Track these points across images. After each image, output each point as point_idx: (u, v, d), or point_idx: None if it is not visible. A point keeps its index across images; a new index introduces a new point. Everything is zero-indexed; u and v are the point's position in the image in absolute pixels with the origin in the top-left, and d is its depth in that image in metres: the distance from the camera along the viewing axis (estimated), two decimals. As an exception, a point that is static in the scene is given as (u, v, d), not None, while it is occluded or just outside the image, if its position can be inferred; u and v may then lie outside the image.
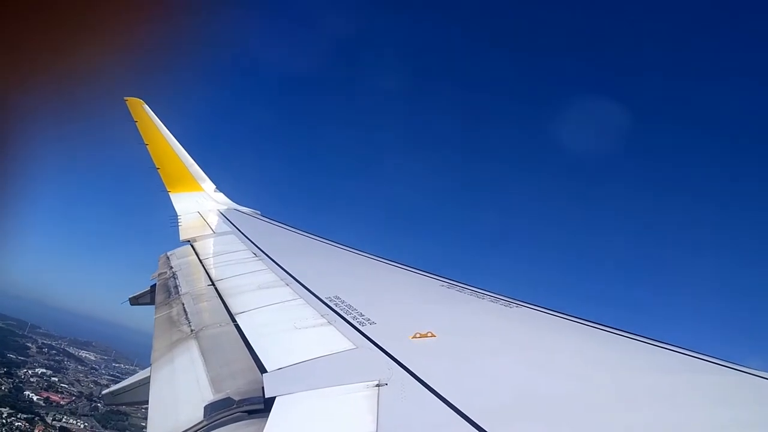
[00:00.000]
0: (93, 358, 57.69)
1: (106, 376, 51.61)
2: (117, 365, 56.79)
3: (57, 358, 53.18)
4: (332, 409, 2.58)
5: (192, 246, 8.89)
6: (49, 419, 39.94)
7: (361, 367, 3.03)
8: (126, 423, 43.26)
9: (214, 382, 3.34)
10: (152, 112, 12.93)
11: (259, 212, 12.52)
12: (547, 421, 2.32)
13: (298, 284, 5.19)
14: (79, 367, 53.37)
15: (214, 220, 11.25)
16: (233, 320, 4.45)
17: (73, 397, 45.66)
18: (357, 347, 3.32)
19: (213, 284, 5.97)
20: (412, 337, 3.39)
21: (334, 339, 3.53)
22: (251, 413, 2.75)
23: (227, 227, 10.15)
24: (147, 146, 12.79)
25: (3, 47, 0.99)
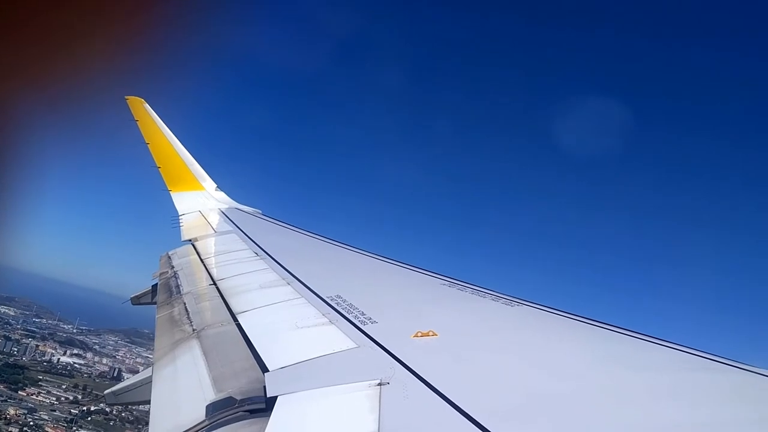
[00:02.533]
0: (12, 313, 56.41)
1: (20, 331, 51.06)
2: (38, 320, 55.76)
3: (-33, 314, 52.35)
4: (334, 409, 2.58)
5: (193, 245, 8.90)
6: None
7: (363, 366, 3.03)
8: (21, 377, 42.78)
9: (216, 382, 3.34)
10: (153, 111, 12.93)
11: (260, 211, 12.52)
12: (550, 420, 2.31)
13: (299, 283, 5.19)
14: (-10, 323, 52.69)
15: (215, 219, 11.25)
16: (235, 319, 4.45)
17: (-35, 353, 44.73)
18: (358, 346, 3.32)
19: (214, 283, 5.98)
20: (414, 336, 3.38)
21: (335, 338, 3.53)
22: (253, 413, 2.75)
23: (228, 226, 10.15)
24: (148, 145, 12.80)
25: (5, 49, 0.99)
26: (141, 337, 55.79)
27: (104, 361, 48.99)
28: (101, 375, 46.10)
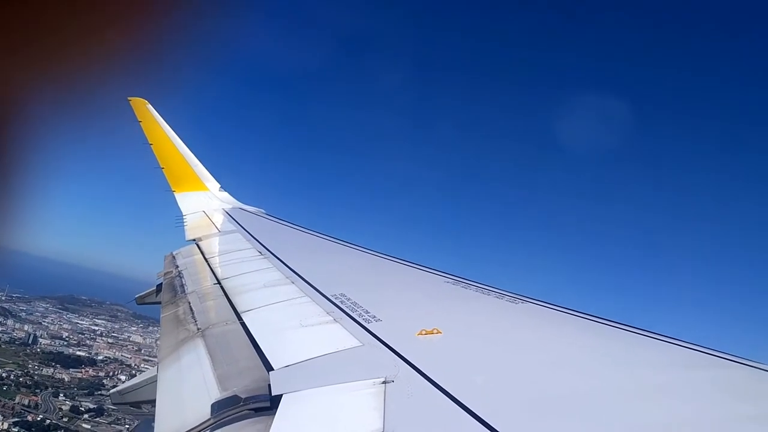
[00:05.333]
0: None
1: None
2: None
3: None
4: (338, 407, 2.58)
5: (197, 245, 8.93)
6: None
7: (368, 364, 3.03)
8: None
9: (221, 381, 3.34)
10: (156, 112, 12.96)
11: (263, 211, 12.54)
12: (556, 418, 2.31)
13: (303, 282, 5.20)
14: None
15: (219, 219, 11.28)
16: (239, 318, 4.46)
17: None
18: (363, 344, 3.32)
19: (219, 283, 5.99)
20: (418, 334, 3.38)
21: (340, 336, 3.53)
22: (258, 411, 2.75)
23: (232, 226, 10.17)
24: (151, 146, 12.84)
25: (7, 50, 0.99)
26: (75, 303, 53.23)
27: (25, 327, 46.37)
28: (12, 341, 43.97)
